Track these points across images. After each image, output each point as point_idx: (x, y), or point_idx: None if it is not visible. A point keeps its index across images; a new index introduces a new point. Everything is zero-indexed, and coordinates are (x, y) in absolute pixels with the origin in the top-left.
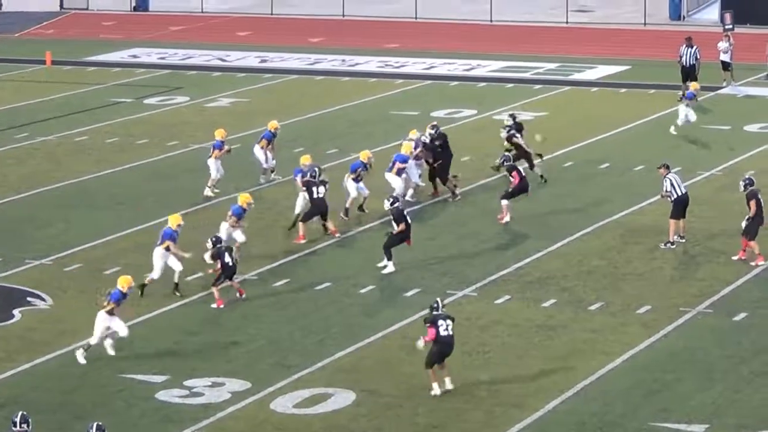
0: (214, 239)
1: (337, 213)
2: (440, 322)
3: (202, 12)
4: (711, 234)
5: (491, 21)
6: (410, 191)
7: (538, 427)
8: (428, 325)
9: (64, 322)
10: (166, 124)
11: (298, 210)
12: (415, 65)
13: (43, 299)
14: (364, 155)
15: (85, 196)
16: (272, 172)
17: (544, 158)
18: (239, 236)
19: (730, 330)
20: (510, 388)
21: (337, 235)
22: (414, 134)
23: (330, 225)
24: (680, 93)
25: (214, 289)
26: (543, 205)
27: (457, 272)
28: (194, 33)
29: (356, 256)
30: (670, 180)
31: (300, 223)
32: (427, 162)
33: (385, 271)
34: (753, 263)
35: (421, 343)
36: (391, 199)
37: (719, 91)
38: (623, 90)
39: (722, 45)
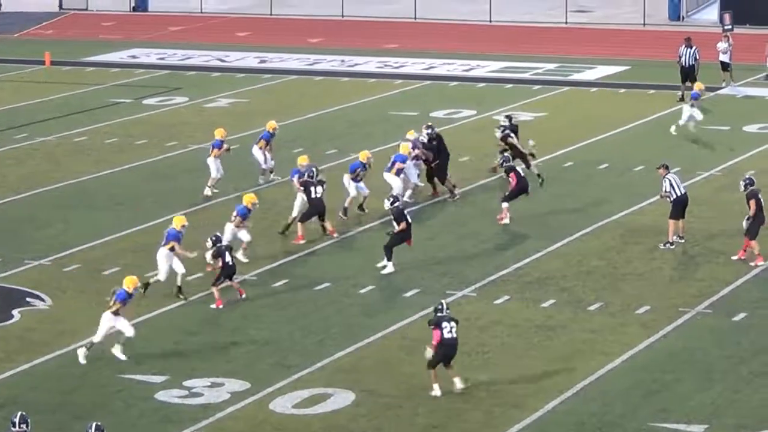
0: (213, 238)
1: (335, 213)
2: (444, 324)
3: (202, 12)
4: (710, 234)
5: (490, 21)
6: (408, 192)
7: (538, 428)
8: (433, 327)
9: (63, 323)
10: (166, 124)
11: (295, 212)
12: (414, 65)
13: (42, 299)
14: (363, 155)
15: (84, 197)
16: (271, 172)
17: (544, 159)
18: (244, 236)
19: (729, 330)
20: (509, 388)
21: (335, 235)
22: (412, 135)
23: (328, 225)
24: (679, 93)
25: (213, 289)
26: (542, 205)
27: (457, 272)
28: (193, 33)
29: (356, 256)
30: (670, 180)
31: (298, 224)
32: (426, 162)
33: (384, 272)
34: (752, 263)
35: (430, 352)
36: (392, 199)
37: (718, 92)
38: (622, 90)
39: (721, 45)
